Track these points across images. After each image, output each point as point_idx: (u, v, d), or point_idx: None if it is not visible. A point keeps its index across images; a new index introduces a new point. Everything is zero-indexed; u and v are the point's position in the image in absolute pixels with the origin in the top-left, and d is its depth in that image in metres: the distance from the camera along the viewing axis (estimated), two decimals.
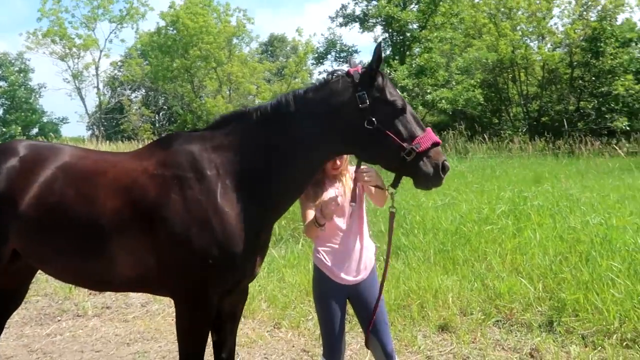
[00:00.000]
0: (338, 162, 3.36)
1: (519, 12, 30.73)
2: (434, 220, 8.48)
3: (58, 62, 43.83)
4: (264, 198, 2.98)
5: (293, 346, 5.20)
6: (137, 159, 3.14)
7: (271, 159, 2.97)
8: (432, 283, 6.06)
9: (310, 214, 3.31)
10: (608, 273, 5.68)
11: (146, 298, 6.64)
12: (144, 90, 47.67)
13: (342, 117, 2.92)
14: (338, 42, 35.53)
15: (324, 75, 3.22)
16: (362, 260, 3.44)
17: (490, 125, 30.84)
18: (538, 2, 30.15)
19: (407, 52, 32.13)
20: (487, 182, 12.70)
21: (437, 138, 2.95)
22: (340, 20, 34.51)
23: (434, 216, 8.70)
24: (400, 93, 3.04)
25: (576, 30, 28.82)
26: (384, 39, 33.60)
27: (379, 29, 33.79)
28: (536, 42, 31.95)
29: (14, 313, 3.92)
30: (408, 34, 32.29)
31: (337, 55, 35.55)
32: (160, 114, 48.14)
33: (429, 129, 2.98)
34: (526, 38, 31.42)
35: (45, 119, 50.58)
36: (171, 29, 38.04)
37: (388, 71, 26.46)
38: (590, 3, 29.26)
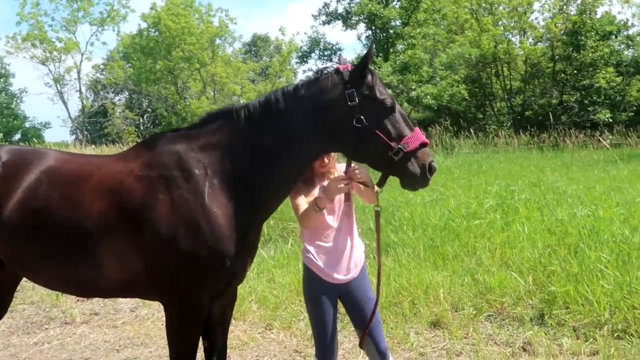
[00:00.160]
0: (326, 160, 3.32)
1: (500, 8, 30.96)
2: (422, 216, 8.47)
3: (39, 66, 43.24)
4: (252, 197, 2.94)
5: (285, 347, 5.15)
6: (122, 161, 3.08)
7: (260, 157, 2.93)
8: (422, 279, 6.05)
9: (303, 204, 3.26)
10: (597, 264, 5.71)
11: (135, 303, 6.55)
12: (127, 93, 47.30)
13: (331, 115, 2.89)
14: (322, 40, 35.48)
15: (312, 73, 3.18)
16: (353, 259, 3.41)
17: (475, 121, 31.03)
18: None
19: (391, 49, 32.18)
20: (474, 177, 12.75)
21: (425, 138, 2.94)
22: (323, 18, 34.48)
23: (423, 212, 8.70)
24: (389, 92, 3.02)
25: (557, 24, 29.09)
26: (367, 37, 33.68)
27: (362, 27, 33.84)
28: (518, 36, 32.18)
29: (0, 322, 3.83)
30: (391, 31, 32.33)
31: (321, 53, 35.53)
32: (145, 116, 47.82)
33: (417, 129, 2.96)
34: (508, 33, 31.65)
35: (27, 125, 49.92)
36: (153, 30, 37.78)
37: (372, 68, 26.46)
38: None
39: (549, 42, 30.01)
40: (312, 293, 3.43)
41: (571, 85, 29.18)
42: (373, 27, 32.36)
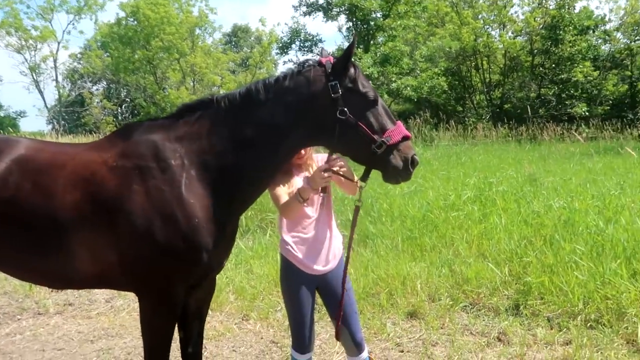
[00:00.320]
0: (302, 152, 3.28)
1: (480, 1, 31.16)
2: (401, 208, 8.50)
3: (14, 54, 42.39)
4: (231, 189, 2.89)
5: (262, 338, 5.14)
6: (96, 151, 3.00)
7: (240, 148, 2.87)
8: (400, 270, 6.07)
9: (283, 195, 3.22)
10: (572, 256, 5.78)
11: (110, 294, 6.47)
12: (105, 83, 46.67)
13: (313, 107, 2.86)
14: (302, 31, 35.29)
15: (294, 64, 3.14)
16: (331, 250, 3.39)
17: (454, 113, 31.24)
18: None
19: (372, 41, 32.15)
20: (452, 169, 12.82)
21: (407, 132, 2.93)
22: (304, 9, 34.23)
23: (402, 203, 8.72)
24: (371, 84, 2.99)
25: (536, 19, 29.37)
26: (347, 28, 33.56)
27: (342, 18, 33.72)
28: (497, 30, 32.42)
29: None
30: (372, 23, 32.26)
31: (302, 44, 35.31)
32: (123, 106, 47.29)
33: (399, 122, 2.95)
34: (488, 26, 31.86)
35: (2, 114, 49.03)
36: (131, 19, 37.23)
37: (355, 61, 26.46)
38: None
39: (528, 36, 30.28)
40: (289, 284, 3.40)
41: (549, 79, 29.49)
42: (354, 19, 32.28)
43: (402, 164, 2.89)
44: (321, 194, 3.32)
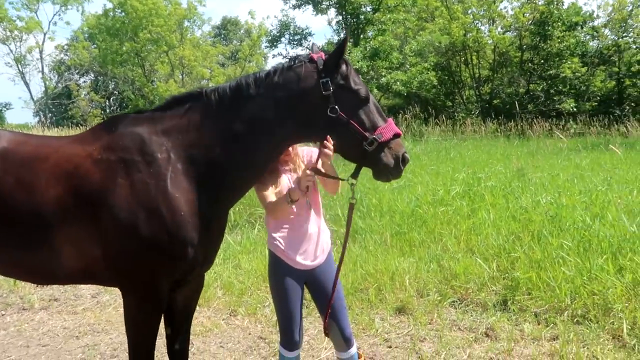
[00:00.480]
0: (290, 149, 3.25)
1: None
2: (390, 203, 8.50)
3: None
4: (218, 184, 2.85)
5: (249, 334, 5.11)
6: (80, 144, 2.94)
7: (228, 143, 2.84)
8: (389, 266, 6.06)
9: (271, 195, 3.19)
10: (559, 251, 5.81)
11: (97, 289, 6.41)
12: (92, 75, 46.18)
13: (304, 103, 2.83)
14: (291, 24, 35.12)
15: (284, 59, 3.10)
16: (320, 245, 3.37)
17: (444, 108, 31.27)
18: None
19: (361, 35, 32.08)
20: (442, 164, 12.85)
21: (398, 129, 2.93)
22: (294, 2, 34.02)
23: (391, 198, 8.72)
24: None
25: (525, 14, 29.42)
26: (337, 22, 33.47)
27: (332, 12, 33.60)
28: (487, 25, 32.47)
29: None
30: (362, 17, 32.19)
31: (291, 38, 35.16)
32: (111, 99, 46.82)
33: (390, 119, 2.95)
34: (477, 22, 31.89)
35: None
36: (119, 11, 36.85)
37: (346, 58, 26.44)
38: None
39: (517, 31, 30.35)
40: (277, 279, 3.37)
41: (538, 74, 29.60)
42: (344, 13, 32.17)
43: (393, 162, 2.90)
44: (306, 192, 3.28)
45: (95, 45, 40.94)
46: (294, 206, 3.25)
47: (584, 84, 29.28)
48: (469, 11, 31.37)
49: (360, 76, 2.99)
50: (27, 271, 3.06)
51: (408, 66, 29.79)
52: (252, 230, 8.23)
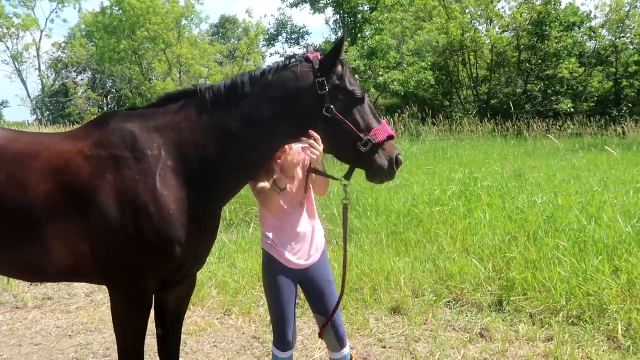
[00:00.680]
0: (287, 147, 3.22)
1: None
2: (386, 203, 8.47)
3: None
4: (210, 182, 2.83)
5: (243, 333, 5.08)
6: (72, 140, 2.92)
7: (221, 142, 2.81)
8: (384, 265, 6.04)
9: (265, 189, 3.16)
10: (555, 252, 5.79)
11: (90, 288, 6.38)
12: (90, 73, 46.04)
13: (299, 103, 2.82)
14: (289, 23, 35.07)
15: (281, 59, 3.09)
16: (314, 244, 3.34)
17: (441, 108, 31.26)
18: None
19: (359, 34, 32.05)
20: (438, 164, 12.83)
21: (392, 131, 2.94)
22: (291, 0, 34.01)
23: (387, 198, 8.70)
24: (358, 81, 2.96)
25: (523, 14, 29.41)
26: (335, 21, 33.42)
27: (330, 11, 33.54)
28: (485, 25, 32.46)
29: None
30: (359, 16, 32.16)
31: (289, 37, 35.13)
32: (109, 97, 46.72)
33: (384, 121, 2.96)
34: (475, 21, 31.88)
35: None
36: (116, 9, 36.76)
37: (343, 58, 26.43)
38: None
39: (514, 31, 30.35)
40: (271, 279, 3.34)
41: (535, 75, 29.61)
42: (341, 12, 32.14)
43: (387, 164, 2.91)
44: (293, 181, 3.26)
45: (92, 43, 40.82)
46: (290, 205, 3.23)
47: (581, 84, 29.33)
48: (467, 11, 31.36)
49: (356, 77, 2.99)
50: (17, 268, 3.05)
51: (405, 66, 29.78)
52: (248, 230, 8.20)
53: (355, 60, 27.29)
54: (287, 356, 3.38)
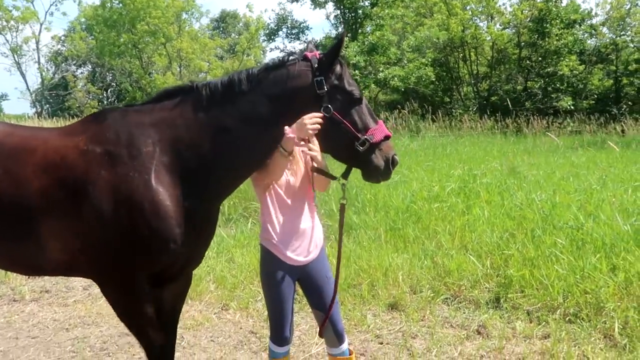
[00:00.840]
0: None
1: None
2: (385, 199, 8.47)
3: None
4: (207, 180, 2.82)
5: (241, 328, 5.09)
6: (68, 135, 2.92)
7: (217, 140, 2.80)
8: (382, 261, 6.05)
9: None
10: (552, 249, 5.79)
11: (88, 281, 6.36)
12: (90, 66, 45.95)
13: (297, 102, 2.81)
14: (289, 18, 35.00)
15: (281, 52, 3.08)
16: (313, 240, 3.33)
17: (442, 104, 31.20)
18: None
19: (359, 30, 31.98)
20: (438, 160, 12.82)
21: (388, 131, 2.95)
22: None
23: (386, 194, 8.69)
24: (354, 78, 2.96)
25: (523, 11, 29.32)
26: (335, 16, 33.35)
27: (330, 6, 33.46)
28: (485, 22, 32.38)
29: None
30: (360, 11, 32.09)
31: (289, 32, 35.05)
32: (109, 90, 46.62)
33: (380, 121, 2.96)
34: (476, 18, 31.81)
35: None
36: (116, 2, 36.65)
37: (341, 58, 26.37)
38: None
39: (515, 28, 30.28)
40: (269, 274, 3.33)
41: (536, 72, 29.55)
42: (341, 7, 32.06)
43: (384, 164, 2.92)
44: (312, 174, 3.24)
45: (92, 36, 40.71)
46: (289, 201, 3.21)
47: (581, 82, 29.25)
48: (468, 7, 31.28)
49: (354, 73, 2.98)
50: (15, 262, 3.06)
51: (406, 62, 29.73)
52: (246, 224, 8.20)
53: (355, 56, 27.24)
54: (284, 351, 3.38)
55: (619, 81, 30.17)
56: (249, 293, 5.74)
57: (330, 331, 3.36)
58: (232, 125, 2.81)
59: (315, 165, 3.11)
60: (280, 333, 3.33)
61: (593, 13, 32.64)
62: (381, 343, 4.68)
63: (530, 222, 6.80)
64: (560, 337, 4.48)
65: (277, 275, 3.29)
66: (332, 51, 2.85)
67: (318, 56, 2.87)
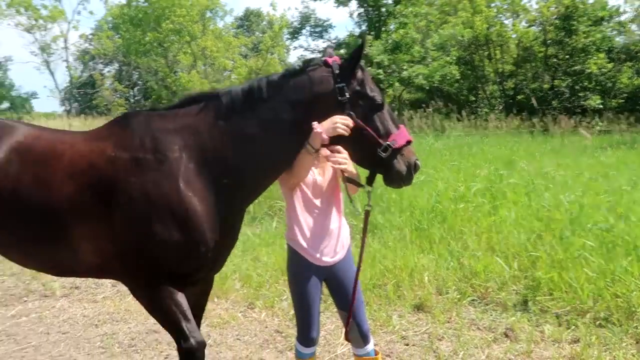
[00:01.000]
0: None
1: None
2: (410, 199, 8.42)
3: (24, 33, 42.34)
4: (231, 185, 2.84)
5: (266, 327, 5.12)
6: (94, 140, 2.96)
7: (241, 146, 2.82)
8: (408, 262, 6.01)
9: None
10: (582, 251, 5.69)
11: None
12: (117, 65, 46.57)
13: (319, 108, 2.80)
14: (312, 16, 35.01)
15: (298, 63, 3.07)
16: (340, 241, 3.33)
17: (467, 103, 30.90)
18: None
19: (383, 28, 31.83)
20: (463, 160, 12.69)
21: (410, 136, 2.93)
22: None
23: (411, 194, 8.63)
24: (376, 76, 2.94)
25: (550, 8, 28.87)
26: (359, 14, 33.26)
27: (354, 4, 33.40)
28: (511, 19, 31.96)
29: None
30: (383, 9, 31.95)
31: (312, 30, 35.10)
32: (135, 89, 47.20)
33: (402, 126, 2.94)
34: (501, 15, 31.41)
35: (13, 94, 49.15)
36: (142, 0, 37.03)
37: (362, 64, 26.30)
38: None
39: (541, 25, 29.83)
40: (296, 274, 3.34)
41: (562, 70, 29.08)
42: (365, 5, 31.98)
43: (406, 169, 2.91)
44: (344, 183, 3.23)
45: (119, 35, 41.22)
46: (316, 201, 3.22)
47: (610, 80, 28.68)
48: (493, 4, 30.90)
49: (373, 82, 2.95)
50: (47, 265, 3.13)
51: (430, 60, 29.52)
52: (272, 223, 8.23)
53: (379, 55, 27.13)
54: (310, 352, 3.39)
55: None
56: (274, 292, 5.76)
57: (356, 331, 3.35)
58: (253, 131, 2.82)
59: (346, 175, 3.12)
60: (307, 334, 3.34)
61: (621, 10, 31.96)
62: (407, 344, 4.66)
63: (558, 223, 6.69)
64: (590, 342, 4.41)
65: (305, 276, 3.29)
66: (353, 57, 2.84)
67: (339, 62, 2.86)
